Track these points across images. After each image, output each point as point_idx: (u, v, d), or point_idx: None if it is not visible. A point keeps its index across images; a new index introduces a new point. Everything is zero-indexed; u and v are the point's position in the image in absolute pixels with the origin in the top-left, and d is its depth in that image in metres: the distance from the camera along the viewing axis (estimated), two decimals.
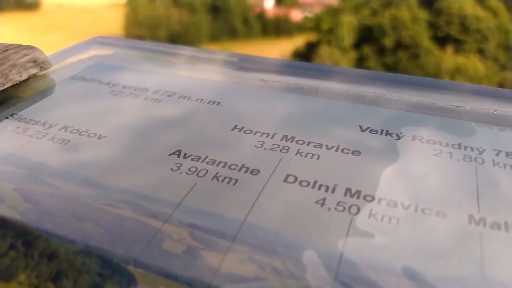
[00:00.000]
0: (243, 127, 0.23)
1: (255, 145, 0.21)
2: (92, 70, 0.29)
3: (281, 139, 0.22)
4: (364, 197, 0.18)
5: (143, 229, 0.16)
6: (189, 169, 0.19)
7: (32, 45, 0.27)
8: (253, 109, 0.23)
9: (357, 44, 7.19)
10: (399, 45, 6.78)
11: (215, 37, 7.55)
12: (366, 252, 0.15)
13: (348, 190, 0.18)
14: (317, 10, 7.86)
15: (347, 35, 7.05)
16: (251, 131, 0.22)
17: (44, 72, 0.28)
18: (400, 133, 0.22)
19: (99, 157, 0.20)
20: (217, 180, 0.19)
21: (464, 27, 6.91)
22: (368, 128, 0.23)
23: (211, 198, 0.18)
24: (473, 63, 6.51)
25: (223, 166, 0.20)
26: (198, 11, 7.26)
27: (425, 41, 6.82)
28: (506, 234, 0.15)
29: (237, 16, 7.59)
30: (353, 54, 7.07)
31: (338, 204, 0.18)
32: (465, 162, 0.19)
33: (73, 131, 0.22)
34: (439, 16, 7.05)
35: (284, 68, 0.26)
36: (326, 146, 0.21)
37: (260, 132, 0.22)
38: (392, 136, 0.22)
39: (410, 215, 0.17)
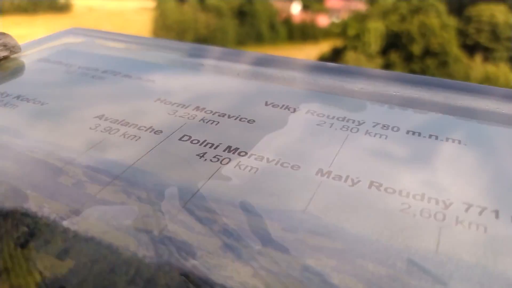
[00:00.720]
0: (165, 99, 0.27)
1: (168, 113, 0.25)
2: (58, 55, 0.34)
3: (193, 109, 0.26)
4: (239, 153, 0.21)
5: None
6: (95, 126, 0.23)
7: (5, 32, 0.32)
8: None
9: (384, 51, 7.14)
10: (427, 52, 6.70)
11: (241, 41, 7.64)
12: (218, 190, 0.19)
13: (228, 147, 0.22)
14: (344, 15, 7.84)
15: (374, 41, 7.01)
16: (170, 102, 0.26)
17: (16, 55, 0.33)
18: (297, 108, 0.26)
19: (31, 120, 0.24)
20: (124, 137, 0.23)
21: (495, 35, 6.77)
22: (271, 103, 0.26)
23: (115, 148, 0.22)
24: (504, 71, 6.37)
25: (134, 127, 0.24)
26: (225, 15, 7.36)
27: (454, 48, 6.71)
28: (342, 184, 0.19)
29: (263, 21, 7.66)
30: (379, 61, 7.03)
31: (214, 157, 0.21)
32: (341, 130, 0.23)
33: (23, 100, 0.27)
34: (469, 24, 6.93)
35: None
36: (228, 115, 0.25)
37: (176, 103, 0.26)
38: (289, 110, 0.25)
39: (269, 167, 0.20)
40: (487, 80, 6.40)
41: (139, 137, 0.23)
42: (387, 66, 7.05)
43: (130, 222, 0.16)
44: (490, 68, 6.56)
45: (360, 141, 0.22)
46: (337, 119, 0.23)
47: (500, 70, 6.56)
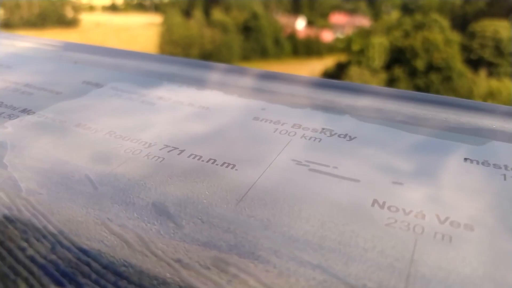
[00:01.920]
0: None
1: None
2: None
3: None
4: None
5: None
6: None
7: None
8: None
9: (388, 66, 7.18)
10: (431, 67, 6.72)
11: (246, 57, 7.70)
12: None
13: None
14: (348, 31, 7.89)
15: (378, 56, 7.04)
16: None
17: None
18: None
19: None
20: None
21: (499, 50, 6.79)
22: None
23: None
24: (507, 86, 6.38)
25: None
26: (231, 30, 7.44)
27: (458, 63, 6.73)
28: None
29: (268, 36, 7.73)
30: (383, 75, 7.05)
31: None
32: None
33: None
34: (473, 39, 6.96)
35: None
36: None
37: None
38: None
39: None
40: (491, 95, 6.40)
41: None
42: (391, 81, 7.07)
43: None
44: (494, 83, 6.57)
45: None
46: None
47: (503, 85, 6.57)
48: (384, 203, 0.17)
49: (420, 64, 7.06)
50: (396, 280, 0.13)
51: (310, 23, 8.20)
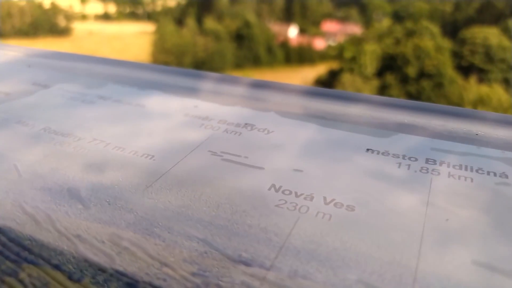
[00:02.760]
0: None
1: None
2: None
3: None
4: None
5: None
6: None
7: None
8: None
9: (380, 73, 7.23)
10: (422, 74, 6.77)
11: (239, 65, 7.73)
12: None
13: None
14: (340, 39, 7.95)
15: (370, 64, 7.10)
16: None
17: None
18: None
19: None
20: None
21: (489, 56, 6.87)
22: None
23: None
24: (497, 92, 6.44)
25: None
26: (223, 39, 7.48)
27: (449, 70, 6.79)
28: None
29: (261, 44, 7.76)
30: (375, 82, 7.10)
31: None
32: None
33: None
34: (464, 46, 7.03)
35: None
36: None
37: None
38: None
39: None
40: (481, 101, 6.46)
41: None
42: (383, 88, 7.12)
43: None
44: (484, 89, 6.63)
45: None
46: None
47: (493, 91, 6.63)
48: (280, 187, 0.19)
49: (411, 71, 7.12)
50: (270, 251, 0.15)
51: (302, 31, 8.25)
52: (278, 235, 0.16)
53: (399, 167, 0.21)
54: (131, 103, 0.28)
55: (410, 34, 7.17)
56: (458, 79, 6.84)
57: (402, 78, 7.04)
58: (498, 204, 0.18)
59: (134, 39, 6.84)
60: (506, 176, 0.20)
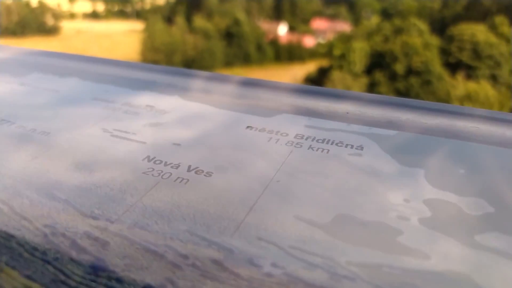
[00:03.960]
0: None
1: None
2: None
3: None
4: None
5: None
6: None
7: None
8: None
9: (369, 70, 7.27)
10: (411, 71, 6.82)
11: (229, 63, 7.73)
12: None
13: None
14: (330, 36, 7.99)
15: (359, 61, 7.13)
16: None
17: None
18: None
19: None
20: None
21: (477, 53, 6.93)
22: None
23: None
24: (484, 89, 6.50)
25: None
26: (213, 37, 7.48)
27: (437, 67, 6.85)
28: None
29: (251, 42, 7.77)
30: (364, 80, 7.14)
31: None
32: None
33: None
34: (451, 43, 7.09)
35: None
36: None
37: None
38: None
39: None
40: (469, 97, 6.52)
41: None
42: (372, 85, 7.16)
43: None
44: (471, 85, 6.68)
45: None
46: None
47: (481, 87, 6.68)
48: (154, 158, 0.21)
49: (399, 68, 7.15)
50: (120, 208, 0.17)
51: (292, 28, 8.26)
52: (133, 196, 0.18)
53: (268, 140, 0.23)
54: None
55: (398, 31, 7.20)
56: (446, 75, 6.90)
57: (390, 75, 7.08)
58: (341, 170, 0.20)
59: (123, 37, 6.82)
60: (361, 148, 0.22)
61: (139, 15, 7.51)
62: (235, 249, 0.15)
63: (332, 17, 8.13)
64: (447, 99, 6.47)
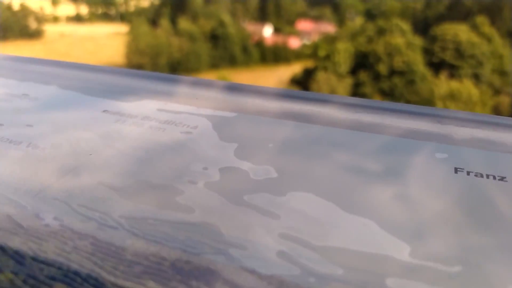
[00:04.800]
0: None
1: None
2: None
3: None
4: None
5: None
6: None
7: None
8: None
9: (353, 71, 7.33)
10: (394, 71, 6.89)
11: (214, 65, 7.74)
12: None
13: None
14: (315, 37, 8.05)
15: (344, 62, 7.19)
16: None
17: None
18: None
19: None
20: None
21: (459, 53, 7.02)
22: None
23: None
24: (467, 88, 6.58)
25: None
26: (198, 39, 7.49)
27: (421, 67, 6.93)
28: None
29: (236, 44, 7.80)
30: (349, 80, 7.20)
31: None
32: None
33: None
34: (434, 43, 7.17)
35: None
36: None
37: None
38: None
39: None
40: (451, 96, 6.59)
41: None
42: (357, 85, 7.21)
43: None
44: (454, 84, 6.76)
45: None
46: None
47: (463, 86, 6.76)
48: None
49: (383, 68, 7.20)
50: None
51: (277, 30, 8.30)
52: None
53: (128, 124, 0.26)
54: None
55: (381, 32, 7.28)
56: (429, 75, 6.97)
57: (374, 76, 7.14)
58: (170, 145, 0.23)
59: (107, 40, 6.81)
60: (196, 127, 0.25)
61: (123, 17, 7.51)
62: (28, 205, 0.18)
63: (317, 18, 8.19)
64: (430, 98, 6.55)
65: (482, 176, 0.20)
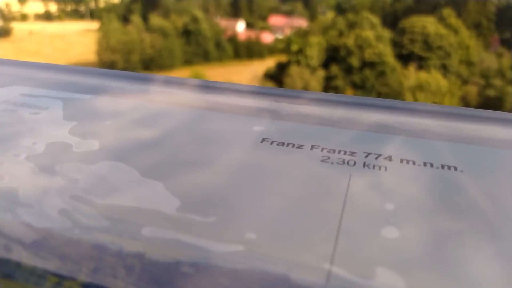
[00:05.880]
0: None
1: None
2: None
3: None
4: None
5: None
6: None
7: None
8: None
9: (326, 64, 7.41)
10: (365, 64, 6.99)
11: (188, 61, 7.71)
12: None
13: None
14: (287, 32, 8.10)
15: (316, 55, 7.26)
16: None
17: None
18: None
19: None
20: None
21: (427, 44, 7.16)
22: None
23: None
24: (436, 78, 6.73)
25: None
26: (171, 35, 7.46)
27: (390, 59, 7.05)
28: None
29: (209, 40, 7.78)
30: (321, 73, 7.28)
31: None
32: None
33: None
34: (403, 35, 7.30)
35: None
36: None
37: None
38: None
39: None
40: (420, 87, 6.75)
41: None
42: (329, 78, 7.31)
43: None
44: (423, 75, 6.91)
45: None
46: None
47: (432, 77, 6.92)
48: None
49: (354, 61, 7.31)
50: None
51: (249, 25, 8.33)
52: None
53: None
54: None
55: (352, 25, 7.37)
56: (399, 67, 7.10)
57: (346, 68, 7.24)
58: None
59: (78, 37, 6.74)
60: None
61: (93, 14, 7.43)
62: None
63: (289, 13, 8.25)
64: (400, 90, 6.68)
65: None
